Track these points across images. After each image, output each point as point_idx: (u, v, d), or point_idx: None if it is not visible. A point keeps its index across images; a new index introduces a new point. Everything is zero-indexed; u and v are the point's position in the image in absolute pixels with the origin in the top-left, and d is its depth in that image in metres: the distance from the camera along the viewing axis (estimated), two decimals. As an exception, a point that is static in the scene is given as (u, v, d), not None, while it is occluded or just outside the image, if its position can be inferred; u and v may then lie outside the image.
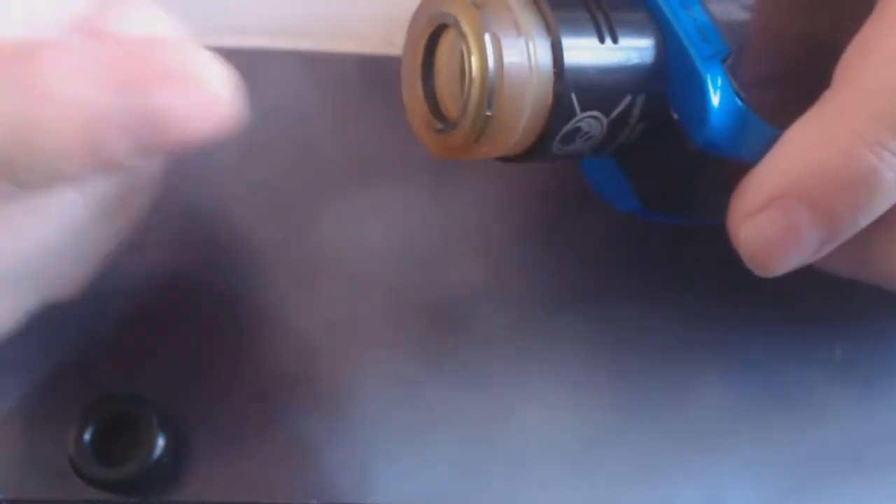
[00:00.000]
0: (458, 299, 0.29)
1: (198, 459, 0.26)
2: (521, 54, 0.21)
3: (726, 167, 0.23)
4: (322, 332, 0.28)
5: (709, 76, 0.22)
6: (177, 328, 0.27)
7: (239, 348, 0.27)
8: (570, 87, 0.22)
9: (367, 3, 0.35)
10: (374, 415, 0.27)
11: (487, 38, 0.21)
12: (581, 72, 0.22)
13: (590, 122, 0.22)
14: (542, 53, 0.21)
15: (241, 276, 0.28)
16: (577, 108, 0.22)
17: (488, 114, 0.21)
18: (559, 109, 0.22)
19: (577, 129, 0.22)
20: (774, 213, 0.22)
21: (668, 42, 0.23)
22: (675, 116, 0.23)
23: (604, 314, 0.29)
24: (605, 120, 0.23)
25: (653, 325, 0.29)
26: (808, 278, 0.27)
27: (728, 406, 0.28)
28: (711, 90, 0.22)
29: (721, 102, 0.22)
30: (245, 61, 0.32)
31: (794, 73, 0.25)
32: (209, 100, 0.18)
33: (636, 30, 0.23)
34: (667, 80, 0.23)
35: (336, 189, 0.29)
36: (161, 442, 0.25)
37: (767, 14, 0.27)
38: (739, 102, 0.23)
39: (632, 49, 0.23)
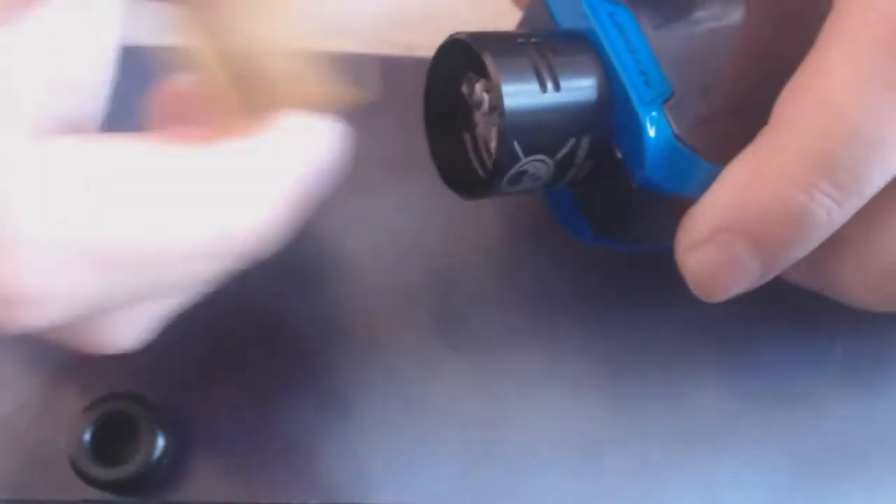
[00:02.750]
0: (459, 299, 0.29)
1: (198, 459, 0.26)
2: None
3: (672, 201, 0.24)
4: (322, 332, 0.28)
5: (648, 119, 0.23)
6: (177, 328, 0.27)
7: (239, 348, 0.27)
8: (511, 134, 0.22)
9: (366, 3, 0.35)
10: (374, 415, 0.27)
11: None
12: (522, 118, 0.22)
13: (536, 164, 0.23)
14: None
15: (240, 276, 0.28)
16: (521, 154, 0.22)
17: None
18: (503, 154, 0.22)
19: (523, 172, 0.23)
20: (716, 247, 0.23)
21: (612, 85, 0.23)
22: (619, 155, 0.23)
23: (604, 314, 0.29)
24: (550, 162, 0.23)
25: (653, 324, 0.29)
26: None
27: (728, 406, 0.28)
28: (650, 132, 0.23)
29: (658, 144, 0.23)
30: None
31: (744, 110, 0.25)
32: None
33: (579, 74, 0.23)
34: (611, 121, 0.23)
35: (336, 189, 0.29)
36: (161, 442, 0.25)
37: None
38: (678, 143, 0.23)
39: (574, 93, 0.23)
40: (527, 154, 0.22)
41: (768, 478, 0.27)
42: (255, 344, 0.28)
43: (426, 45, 0.34)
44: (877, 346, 0.29)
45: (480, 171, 0.24)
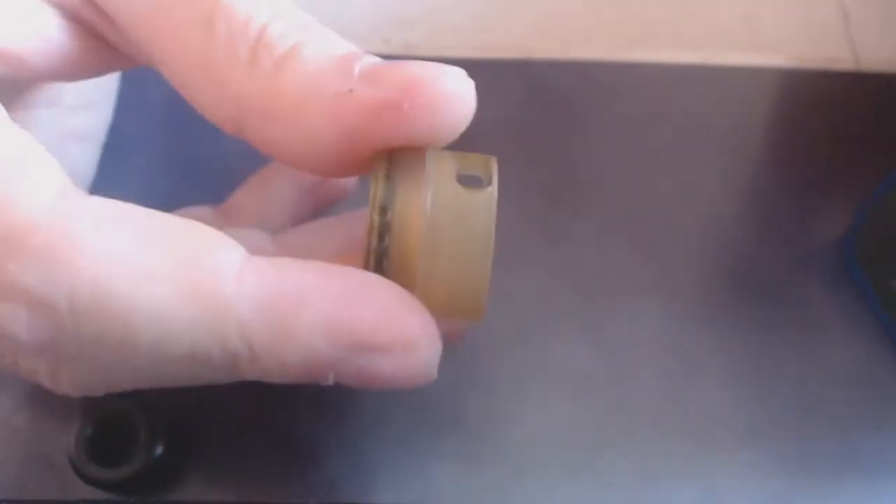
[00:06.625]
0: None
1: (198, 459, 0.26)
2: None
3: None
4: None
5: None
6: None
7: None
8: None
9: (365, 4, 0.35)
10: (374, 415, 0.27)
11: None
12: None
13: None
14: None
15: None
16: None
17: None
18: None
19: None
20: None
21: None
22: None
23: (604, 313, 0.29)
24: None
25: (653, 325, 0.29)
26: (807, 281, 0.27)
27: (728, 406, 0.28)
28: None
29: None
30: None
31: None
32: (418, 368, 0.21)
33: None
34: None
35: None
36: (161, 442, 0.25)
37: None
38: None
39: None
40: None
41: (768, 478, 0.27)
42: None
43: (426, 45, 0.34)
44: (876, 349, 0.29)
45: None
